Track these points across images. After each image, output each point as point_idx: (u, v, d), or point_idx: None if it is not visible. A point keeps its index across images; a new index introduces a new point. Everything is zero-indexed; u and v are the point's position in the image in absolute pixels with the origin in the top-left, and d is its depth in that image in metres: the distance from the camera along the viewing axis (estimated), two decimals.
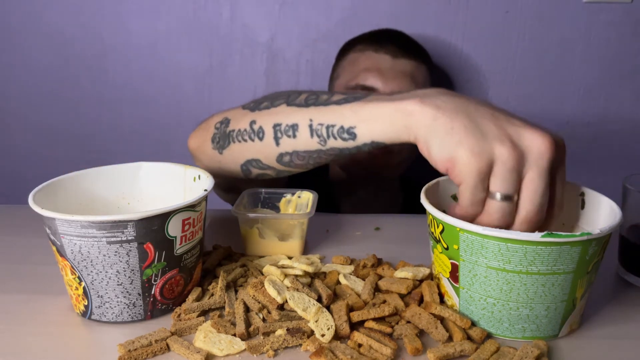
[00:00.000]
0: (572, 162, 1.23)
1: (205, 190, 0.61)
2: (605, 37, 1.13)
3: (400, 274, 0.63)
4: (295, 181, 0.96)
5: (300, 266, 0.63)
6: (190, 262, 0.60)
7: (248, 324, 0.56)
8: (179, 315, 0.58)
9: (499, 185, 0.52)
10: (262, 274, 0.65)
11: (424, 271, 0.64)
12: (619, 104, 1.17)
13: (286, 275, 0.62)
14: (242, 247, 0.73)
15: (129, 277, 0.56)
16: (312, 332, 0.54)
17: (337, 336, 0.54)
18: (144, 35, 1.19)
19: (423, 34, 1.13)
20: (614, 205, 0.58)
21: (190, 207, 0.58)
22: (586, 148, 1.20)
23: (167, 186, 0.70)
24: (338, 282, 0.64)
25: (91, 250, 0.54)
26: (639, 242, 0.67)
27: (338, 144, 0.63)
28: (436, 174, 0.60)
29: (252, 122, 0.70)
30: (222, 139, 0.73)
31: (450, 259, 0.56)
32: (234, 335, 0.54)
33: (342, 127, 0.62)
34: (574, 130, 1.19)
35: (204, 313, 0.59)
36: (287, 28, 1.17)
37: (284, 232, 0.73)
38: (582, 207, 0.63)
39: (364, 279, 0.65)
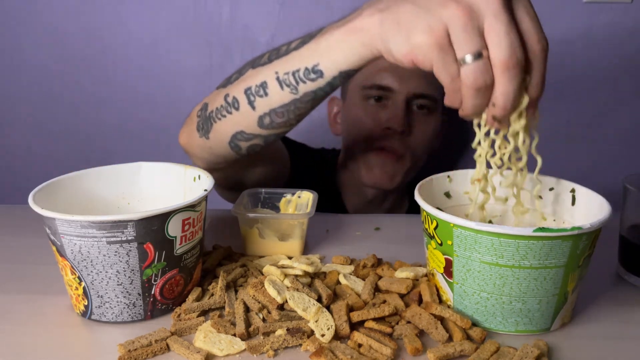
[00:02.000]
0: (572, 162, 1.23)
1: (205, 190, 0.61)
2: (605, 37, 1.13)
3: (400, 274, 0.63)
4: (301, 185, 0.98)
5: (300, 266, 0.63)
6: (190, 262, 0.60)
7: (248, 324, 0.56)
8: (179, 315, 0.58)
9: (461, 47, 0.49)
10: (262, 274, 0.65)
11: (423, 271, 0.64)
12: (619, 103, 1.17)
13: (286, 275, 0.62)
14: (242, 247, 0.73)
15: (129, 277, 0.56)
16: (312, 332, 0.54)
17: (337, 336, 0.54)
18: (144, 35, 1.19)
19: None
20: (603, 200, 0.59)
21: (190, 207, 0.58)
22: (586, 148, 1.20)
23: (167, 186, 0.70)
24: (338, 282, 0.64)
25: (91, 250, 0.54)
26: (639, 242, 0.67)
27: (309, 86, 0.63)
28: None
29: (226, 96, 0.69)
30: (205, 123, 0.73)
31: (444, 254, 0.57)
32: (234, 335, 0.54)
33: (306, 69, 0.61)
34: (574, 130, 1.19)
35: (204, 313, 0.59)
36: (287, 28, 1.17)
37: (284, 232, 0.73)
38: (573, 203, 0.64)
39: (364, 279, 0.65)
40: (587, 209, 0.62)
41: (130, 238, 0.54)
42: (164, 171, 0.71)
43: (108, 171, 0.70)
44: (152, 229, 0.55)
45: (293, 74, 0.63)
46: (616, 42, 1.13)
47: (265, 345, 0.52)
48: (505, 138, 0.56)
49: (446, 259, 0.57)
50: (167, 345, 0.53)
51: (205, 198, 0.61)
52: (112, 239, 0.54)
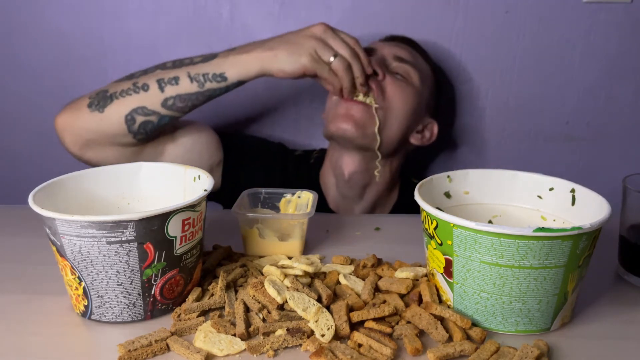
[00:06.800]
0: (572, 162, 1.23)
1: (205, 190, 0.61)
2: (605, 37, 1.13)
3: (400, 274, 0.63)
4: (287, 185, 1.00)
5: (300, 266, 0.63)
6: (190, 262, 0.60)
7: (248, 324, 0.56)
8: (179, 315, 0.58)
9: (326, 55, 0.86)
10: (262, 274, 0.65)
11: (423, 271, 0.64)
12: (619, 104, 1.17)
13: (286, 275, 0.62)
14: (242, 247, 0.73)
15: (129, 277, 0.56)
16: (312, 332, 0.54)
17: (337, 336, 0.54)
18: (144, 35, 1.18)
19: (423, 34, 1.13)
20: (603, 200, 0.59)
21: (190, 207, 0.58)
22: (586, 148, 1.20)
23: (167, 186, 0.70)
24: (338, 282, 0.64)
25: (91, 251, 0.54)
26: (639, 242, 0.67)
27: (213, 85, 0.87)
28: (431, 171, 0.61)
29: (135, 83, 0.87)
30: (102, 100, 0.87)
31: (444, 254, 0.57)
32: (234, 335, 0.54)
33: (214, 74, 0.86)
34: (574, 130, 1.19)
35: (204, 313, 0.59)
36: (287, 28, 1.16)
37: (284, 232, 0.73)
38: (573, 203, 0.64)
39: (364, 279, 0.65)
40: (587, 209, 0.62)
41: (130, 238, 0.54)
42: (164, 171, 0.71)
43: (108, 171, 0.70)
44: (152, 229, 0.55)
45: (203, 75, 0.86)
46: (616, 42, 1.13)
47: (265, 345, 0.52)
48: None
49: (446, 259, 0.57)
50: (167, 345, 0.53)
51: (205, 198, 0.61)
52: (112, 239, 0.54)
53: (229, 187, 1.01)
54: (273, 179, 1.05)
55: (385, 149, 0.99)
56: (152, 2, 1.17)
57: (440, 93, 1.11)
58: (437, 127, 1.06)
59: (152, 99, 0.86)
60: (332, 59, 0.86)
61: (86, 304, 0.57)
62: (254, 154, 1.07)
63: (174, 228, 0.57)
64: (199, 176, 0.68)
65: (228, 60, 0.87)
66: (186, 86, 0.86)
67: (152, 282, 0.57)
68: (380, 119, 0.95)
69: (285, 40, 0.87)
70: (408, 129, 1.00)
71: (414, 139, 1.04)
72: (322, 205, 1.05)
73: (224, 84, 0.87)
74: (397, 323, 0.57)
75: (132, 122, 0.86)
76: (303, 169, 1.09)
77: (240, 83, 0.87)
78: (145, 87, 0.86)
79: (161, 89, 0.86)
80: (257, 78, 0.88)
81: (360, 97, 0.93)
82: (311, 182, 1.07)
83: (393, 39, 1.07)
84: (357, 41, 0.90)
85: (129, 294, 0.57)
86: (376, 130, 0.95)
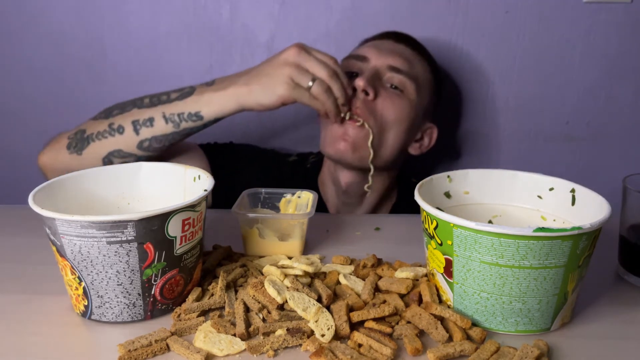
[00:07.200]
0: (572, 162, 1.23)
1: (205, 190, 0.61)
2: (605, 37, 1.13)
3: (400, 274, 0.63)
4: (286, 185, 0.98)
5: (300, 266, 0.63)
6: (190, 262, 0.60)
7: (248, 324, 0.56)
8: (179, 315, 0.58)
9: (304, 81, 0.83)
10: (262, 274, 0.65)
11: (423, 271, 0.64)
12: (619, 104, 1.17)
13: (286, 275, 0.62)
14: (242, 247, 0.73)
15: (129, 277, 0.56)
16: (312, 332, 0.54)
17: (337, 336, 0.54)
18: (144, 35, 1.18)
19: (423, 33, 1.13)
20: (603, 200, 0.59)
21: (190, 207, 0.58)
22: (586, 148, 1.20)
23: (167, 186, 0.70)
24: (338, 282, 0.64)
25: (91, 251, 0.54)
26: (639, 242, 0.67)
27: (189, 124, 0.86)
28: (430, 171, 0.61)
29: (111, 124, 0.87)
30: (80, 142, 0.88)
31: (444, 254, 0.57)
32: (234, 335, 0.54)
33: (190, 113, 0.85)
34: (574, 130, 1.19)
35: (204, 313, 0.59)
36: (287, 28, 1.17)
37: (284, 232, 0.73)
38: (573, 203, 0.64)
39: (364, 279, 0.65)
40: (587, 209, 0.62)
41: (130, 238, 0.54)
42: (164, 171, 0.71)
43: (108, 171, 0.70)
44: (152, 229, 0.55)
45: (178, 115, 0.85)
46: (616, 42, 1.13)
47: (265, 345, 0.52)
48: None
49: (446, 259, 0.57)
50: (167, 345, 0.53)
51: (205, 198, 0.61)
52: (112, 239, 0.54)
53: (223, 199, 0.97)
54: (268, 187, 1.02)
55: (382, 163, 0.97)
56: (152, 2, 1.17)
57: (441, 91, 1.08)
58: (437, 132, 1.04)
59: (127, 141, 0.86)
60: (310, 83, 0.82)
61: (86, 304, 0.57)
62: (247, 162, 1.05)
63: (174, 228, 0.57)
64: (199, 176, 0.68)
65: (203, 98, 0.85)
66: (162, 127, 0.85)
67: (152, 282, 0.57)
68: (375, 134, 0.93)
69: (260, 72, 0.85)
70: (405, 142, 0.99)
71: (413, 149, 1.03)
72: (321, 208, 1.05)
73: (200, 122, 0.85)
74: (397, 323, 0.57)
75: (110, 163, 0.86)
76: (299, 176, 1.07)
77: (217, 120, 0.86)
78: (121, 130, 0.86)
79: (136, 131, 0.85)
80: (235, 114, 0.86)
81: (348, 116, 0.91)
82: (308, 187, 1.06)
83: (390, 36, 1.03)
84: (335, 60, 0.86)
85: (129, 294, 0.57)
86: (369, 144, 0.93)
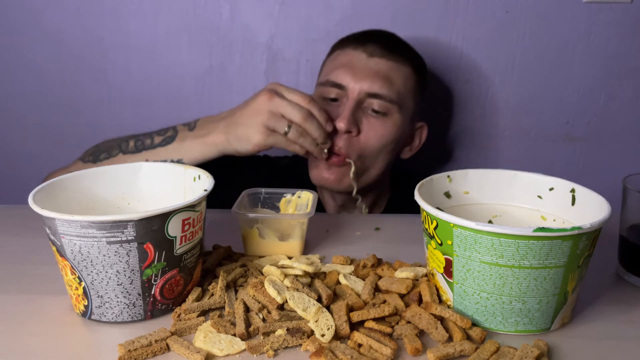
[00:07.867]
0: (572, 162, 1.23)
1: (205, 190, 0.61)
2: (605, 37, 1.13)
3: (400, 274, 0.63)
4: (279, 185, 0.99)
5: (300, 266, 0.63)
6: (190, 262, 0.60)
7: (248, 324, 0.56)
8: (179, 315, 0.58)
9: (280, 127, 0.84)
10: (262, 274, 0.65)
11: (423, 271, 0.64)
12: (619, 103, 1.17)
13: (286, 275, 0.62)
14: (242, 247, 0.73)
15: (129, 277, 0.56)
16: (312, 332, 0.54)
17: (337, 336, 0.54)
18: (144, 35, 1.18)
19: (422, 34, 1.13)
20: (603, 200, 0.59)
21: (190, 207, 0.58)
22: (586, 148, 1.20)
23: (167, 186, 0.70)
24: (338, 282, 0.64)
25: (91, 251, 0.54)
26: (639, 242, 0.67)
27: None
28: (429, 171, 0.61)
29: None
30: None
31: (444, 254, 0.57)
32: (234, 335, 0.54)
33: (172, 160, 0.90)
34: (574, 130, 1.19)
35: (204, 313, 0.59)
36: (287, 28, 1.17)
37: (284, 232, 0.73)
38: (573, 203, 0.64)
39: (364, 279, 0.65)
40: (587, 209, 0.62)
41: (130, 238, 0.54)
42: (164, 171, 0.71)
43: (108, 171, 0.70)
44: (152, 229, 0.55)
45: (161, 161, 0.87)
46: (616, 42, 1.13)
47: (265, 345, 0.52)
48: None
49: (446, 259, 0.57)
50: (167, 345, 0.53)
51: (205, 198, 0.61)
52: (112, 239, 0.54)
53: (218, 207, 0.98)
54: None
55: (370, 182, 0.99)
56: (152, 2, 1.17)
57: (427, 84, 1.04)
58: (427, 129, 1.04)
59: None
60: (286, 129, 0.83)
61: (86, 304, 0.57)
62: (240, 169, 1.05)
63: (174, 228, 0.57)
64: (199, 176, 0.68)
65: (184, 145, 0.88)
66: None
67: (152, 282, 0.57)
68: (358, 166, 0.93)
69: (236, 122, 0.86)
70: (393, 158, 1.00)
71: (404, 154, 1.05)
72: (320, 208, 1.05)
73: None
74: (397, 323, 0.57)
75: None
76: (294, 182, 1.07)
77: (199, 164, 0.88)
78: None
79: None
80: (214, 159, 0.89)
81: (328, 155, 0.91)
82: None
83: (360, 41, 0.98)
84: (310, 98, 0.86)
85: (129, 294, 0.57)
86: (351, 175, 0.93)
